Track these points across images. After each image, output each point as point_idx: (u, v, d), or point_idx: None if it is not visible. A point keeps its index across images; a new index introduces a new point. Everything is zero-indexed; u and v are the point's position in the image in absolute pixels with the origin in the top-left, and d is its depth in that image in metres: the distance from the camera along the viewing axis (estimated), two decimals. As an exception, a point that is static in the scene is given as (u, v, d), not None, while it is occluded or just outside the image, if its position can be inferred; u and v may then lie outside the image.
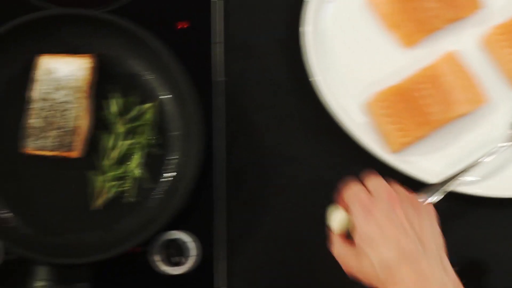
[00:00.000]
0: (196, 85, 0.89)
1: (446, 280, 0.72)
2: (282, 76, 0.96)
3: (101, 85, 0.91)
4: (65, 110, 0.88)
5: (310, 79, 0.93)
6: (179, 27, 0.95)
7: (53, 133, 0.88)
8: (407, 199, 0.77)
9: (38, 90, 0.89)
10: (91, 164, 0.90)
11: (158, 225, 0.87)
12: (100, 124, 0.91)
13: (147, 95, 0.92)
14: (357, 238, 0.76)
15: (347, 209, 0.79)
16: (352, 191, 0.78)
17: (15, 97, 0.90)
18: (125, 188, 0.90)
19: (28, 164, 0.90)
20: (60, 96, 0.89)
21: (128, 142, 0.90)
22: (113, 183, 0.90)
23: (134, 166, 0.90)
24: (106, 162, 0.90)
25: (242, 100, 0.95)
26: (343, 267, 0.78)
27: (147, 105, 0.91)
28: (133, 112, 0.91)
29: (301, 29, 0.93)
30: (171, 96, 0.92)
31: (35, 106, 0.88)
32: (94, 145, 0.90)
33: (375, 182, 0.78)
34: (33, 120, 0.88)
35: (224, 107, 0.94)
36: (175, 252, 0.90)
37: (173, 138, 0.91)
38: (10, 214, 0.89)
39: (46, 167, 0.90)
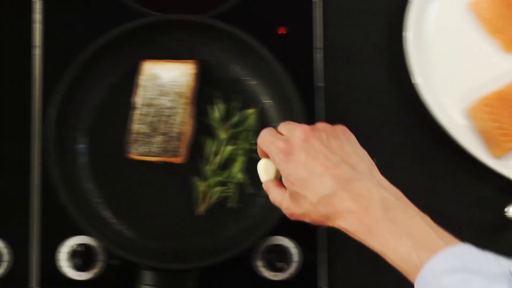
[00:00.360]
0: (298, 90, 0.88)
1: (386, 195, 0.70)
2: (382, 81, 0.95)
3: (203, 90, 0.91)
4: (169, 115, 0.88)
5: (412, 82, 0.92)
6: (279, 32, 0.94)
7: (158, 138, 0.88)
8: (320, 129, 0.75)
9: (142, 96, 0.89)
10: (194, 169, 0.90)
11: (261, 231, 0.87)
12: (202, 129, 0.91)
13: (249, 101, 0.92)
14: (287, 184, 0.74)
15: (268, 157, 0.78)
16: (266, 140, 0.76)
17: (119, 102, 0.91)
18: (227, 194, 0.90)
19: (132, 169, 0.90)
20: (164, 101, 0.89)
21: (230, 147, 0.90)
22: (216, 188, 0.90)
23: (237, 172, 0.90)
24: (209, 168, 0.90)
25: (342, 105, 0.95)
26: (286, 213, 0.76)
27: (250, 111, 0.91)
28: (235, 118, 0.91)
29: (403, 33, 0.92)
30: (273, 101, 0.92)
31: (140, 111, 0.89)
32: (197, 151, 0.91)
33: (287, 125, 0.76)
34: (138, 126, 0.88)
35: (324, 112, 0.93)
36: (278, 257, 0.89)
37: (275, 143, 0.91)
38: (114, 219, 0.89)
39: (150, 172, 0.90)
